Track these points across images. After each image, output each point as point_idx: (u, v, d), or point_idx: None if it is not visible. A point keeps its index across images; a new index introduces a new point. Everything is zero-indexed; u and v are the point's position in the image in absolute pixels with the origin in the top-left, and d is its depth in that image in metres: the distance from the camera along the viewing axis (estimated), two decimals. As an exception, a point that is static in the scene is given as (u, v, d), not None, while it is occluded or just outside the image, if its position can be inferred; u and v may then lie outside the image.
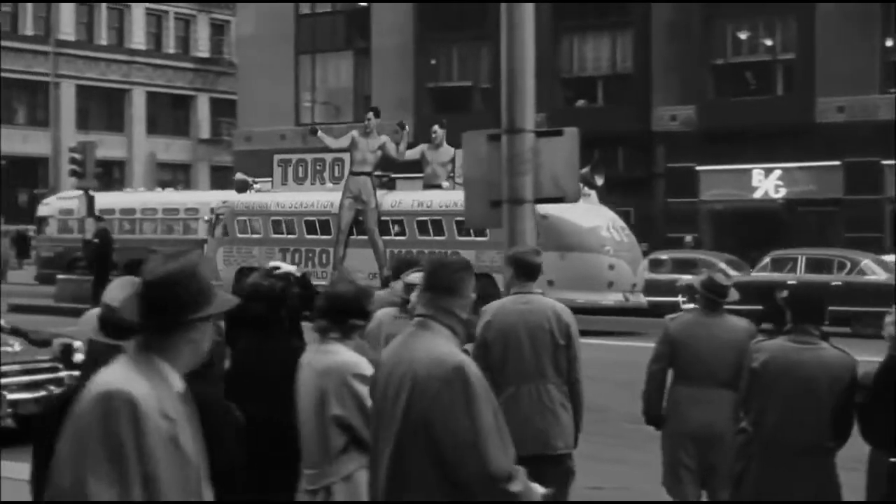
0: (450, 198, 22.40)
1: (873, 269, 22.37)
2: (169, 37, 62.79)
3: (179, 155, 62.19)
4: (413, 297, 5.82)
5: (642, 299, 23.19)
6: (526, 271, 6.82)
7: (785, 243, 25.76)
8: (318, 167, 25.96)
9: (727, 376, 6.66)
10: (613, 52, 36.02)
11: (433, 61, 38.77)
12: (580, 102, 36.13)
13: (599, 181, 22.81)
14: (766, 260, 23.53)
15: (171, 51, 62.75)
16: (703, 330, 7.00)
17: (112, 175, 55.18)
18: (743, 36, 34.13)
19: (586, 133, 9.98)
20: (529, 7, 8.38)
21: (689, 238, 30.21)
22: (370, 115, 24.61)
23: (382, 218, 23.99)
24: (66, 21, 57.18)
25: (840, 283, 21.82)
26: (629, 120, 33.86)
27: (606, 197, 24.83)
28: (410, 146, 24.48)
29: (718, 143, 31.40)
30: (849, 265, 22.48)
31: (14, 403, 10.80)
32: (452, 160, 23.12)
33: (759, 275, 22.75)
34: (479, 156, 8.72)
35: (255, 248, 25.80)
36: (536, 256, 6.98)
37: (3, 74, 55.21)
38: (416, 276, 6.19)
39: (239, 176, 28.92)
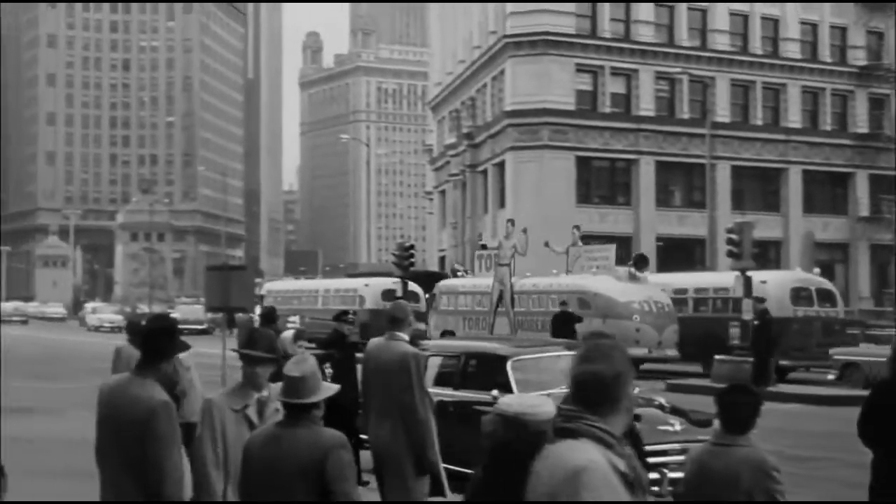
0: (549, 281, 36.49)
1: None
2: (826, 114, 62.99)
3: (837, 234, 61.84)
4: None
5: (669, 352, 33.12)
6: None
7: None
8: (495, 260, 36.85)
9: None
10: None
11: None
12: None
13: (641, 274, 35.45)
14: None
15: (828, 128, 62.77)
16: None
17: (768, 255, 56.19)
18: None
19: None
20: None
21: None
22: (509, 223, 37.43)
23: (514, 295, 35.39)
24: (722, 103, 59.57)
25: None
26: None
27: None
28: None
29: None
30: None
31: (675, 482, 11.52)
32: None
33: None
34: None
35: (450, 317, 38.05)
36: None
37: (661, 158, 58.74)
38: None
39: (454, 265, 44.77)
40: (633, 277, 35.02)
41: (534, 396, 4.74)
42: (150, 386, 5.67)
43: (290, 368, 5.23)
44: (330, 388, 5.35)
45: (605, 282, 34.29)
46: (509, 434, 4.32)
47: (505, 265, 35.63)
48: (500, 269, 35.72)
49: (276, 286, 63.01)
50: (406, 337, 9.51)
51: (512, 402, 4.48)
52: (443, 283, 41.86)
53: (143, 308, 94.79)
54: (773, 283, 33.48)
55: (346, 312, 14.56)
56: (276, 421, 5.40)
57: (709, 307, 35.92)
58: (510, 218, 39.21)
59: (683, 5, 60.70)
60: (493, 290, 35.95)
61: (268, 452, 5.15)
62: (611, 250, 36.91)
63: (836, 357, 28.84)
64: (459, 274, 45.06)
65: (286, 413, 5.26)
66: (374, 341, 9.85)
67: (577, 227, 38.49)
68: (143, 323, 15.03)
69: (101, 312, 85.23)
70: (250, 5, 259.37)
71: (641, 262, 36.11)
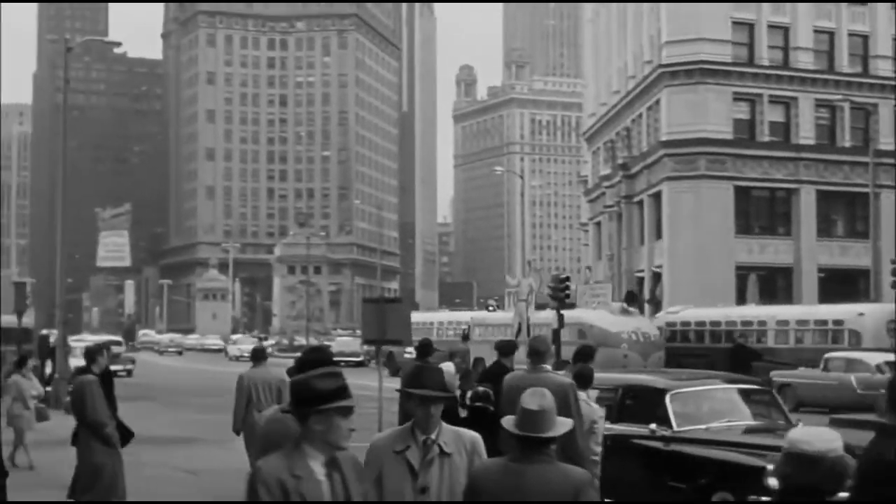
0: (544, 315, 41.83)
1: None
2: None
3: None
4: None
5: None
6: None
7: None
8: (517, 297, 42.51)
9: None
10: None
11: None
12: None
13: (631, 308, 41.48)
14: None
15: None
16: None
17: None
18: None
19: None
20: None
21: None
22: (528, 263, 42.64)
23: (530, 326, 39.13)
24: (885, 130, 58.36)
25: None
26: None
27: None
28: None
29: None
30: None
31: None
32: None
33: None
34: None
35: (482, 346, 39.95)
36: None
37: (823, 187, 57.78)
38: None
39: (488, 301, 49.41)
40: (625, 311, 41.33)
41: (823, 430, 4.43)
42: None
43: (528, 401, 5.08)
44: (565, 423, 5.17)
45: (601, 315, 40.82)
46: (807, 473, 4.12)
47: (522, 301, 41.38)
48: (520, 304, 41.45)
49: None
50: (549, 368, 9.82)
51: (808, 439, 4.21)
52: (475, 316, 50.22)
53: (300, 340, 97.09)
54: (870, 316, 34.48)
55: (511, 346, 14.66)
56: (510, 455, 5.14)
57: (809, 338, 37.10)
58: (530, 259, 51.60)
59: (844, 31, 59.75)
60: (514, 322, 41.46)
61: (507, 487, 4.96)
62: (607, 288, 45.84)
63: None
64: (490, 308, 56.20)
65: (521, 447, 5.03)
66: (517, 374, 10.14)
67: (589, 269, 45.97)
68: (266, 350, 15.82)
69: (242, 343, 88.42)
70: (405, 39, 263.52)
71: (631, 299, 43.86)
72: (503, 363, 13.56)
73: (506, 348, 13.71)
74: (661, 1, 60.03)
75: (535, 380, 9.03)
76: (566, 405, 9.06)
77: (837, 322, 35.94)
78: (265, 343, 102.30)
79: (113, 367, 49.80)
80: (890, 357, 30.20)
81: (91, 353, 12.36)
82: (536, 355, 9.79)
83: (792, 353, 35.63)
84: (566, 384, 9.42)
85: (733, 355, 30.02)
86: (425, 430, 5.54)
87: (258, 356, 14.73)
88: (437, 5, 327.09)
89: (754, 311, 41.34)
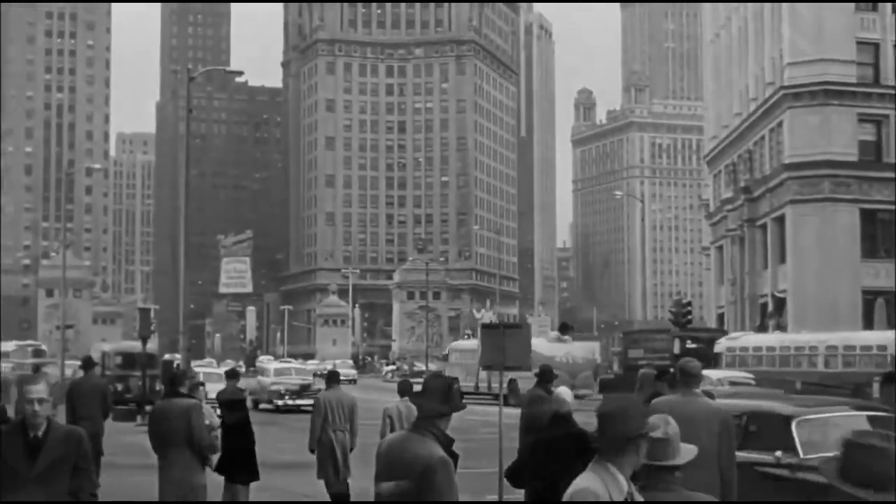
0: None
1: None
2: None
3: None
4: None
5: (583, 391, 44.32)
6: None
7: None
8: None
9: None
10: None
11: None
12: None
13: (564, 336, 50.76)
14: None
15: None
16: None
17: None
18: None
19: None
20: None
21: None
22: (489, 300, 67.11)
23: None
24: None
25: None
26: None
27: None
28: None
29: None
30: None
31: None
32: None
33: None
34: None
35: (457, 368, 52.31)
36: None
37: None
38: None
39: (466, 330, 67.03)
40: (559, 339, 50.18)
41: None
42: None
43: (653, 429, 4.98)
44: (690, 451, 5.05)
45: (539, 342, 47.43)
46: None
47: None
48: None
49: (462, 345, 65.90)
50: (701, 392, 9.57)
51: None
52: (455, 344, 59.69)
53: (420, 365, 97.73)
54: None
55: (665, 372, 14.42)
56: (639, 484, 4.88)
57: (855, 363, 37.89)
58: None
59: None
60: (478, 349, 48.00)
61: None
62: (547, 321, 60.33)
63: None
64: (466, 336, 67.89)
65: (647, 475, 4.85)
66: (665, 399, 9.90)
67: (541, 304, 58.62)
68: (340, 374, 16.45)
69: (339, 368, 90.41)
70: (522, 64, 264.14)
71: (565, 329, 53.59)
72: (660, 391, 13.19)
73: (662, 375, 13.25)
74: (787, 0, 59.14)
75: (687, 405, 8.72)
76: (726, 432, 8.90)
77: (881, 347, 36.68)
78: (386, 368, 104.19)
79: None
80: (732, 373, 34.02)
81: (178, 378, 12.93)
82: (690, 378, 9.33)
83: (837, 377, 36.23)
84: (724, 411, 9.16)
85: (886, 381, 29.44)
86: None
87: (332, 379, 15.77)
88: (555, 30, 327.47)
89: (806, 337, 42.32)
